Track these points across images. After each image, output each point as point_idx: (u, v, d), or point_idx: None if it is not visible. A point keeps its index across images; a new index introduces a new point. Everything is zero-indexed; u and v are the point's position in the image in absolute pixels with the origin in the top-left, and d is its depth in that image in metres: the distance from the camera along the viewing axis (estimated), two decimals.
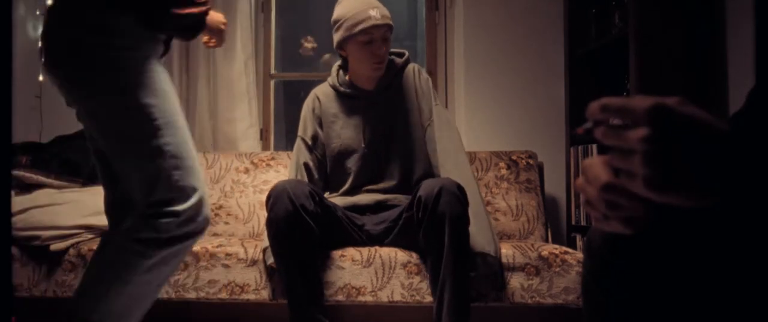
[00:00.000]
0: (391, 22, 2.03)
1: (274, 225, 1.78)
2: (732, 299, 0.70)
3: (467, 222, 1.80)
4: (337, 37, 2.07)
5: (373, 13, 1.99)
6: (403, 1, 5.58)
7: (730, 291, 0.70)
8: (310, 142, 2.15)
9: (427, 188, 1.77)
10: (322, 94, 2.18)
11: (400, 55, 2.18)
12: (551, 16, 2.93)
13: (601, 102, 0.54)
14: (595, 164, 0.59)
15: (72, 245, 2.11)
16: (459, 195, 1.75)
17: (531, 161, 2.64)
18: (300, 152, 2.14)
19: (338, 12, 2.08)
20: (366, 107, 2.12)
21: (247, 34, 3.02)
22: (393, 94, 2.12)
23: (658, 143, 0.50)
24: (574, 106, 2.75)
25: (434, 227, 1.75)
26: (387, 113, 2.11)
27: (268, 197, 1.81)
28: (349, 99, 2.14)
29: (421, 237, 1.80)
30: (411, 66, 2.17)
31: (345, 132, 2.11)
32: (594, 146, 2.56)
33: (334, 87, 2.17)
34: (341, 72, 2.19)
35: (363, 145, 2.09)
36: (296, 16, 5.10)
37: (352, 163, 2.10)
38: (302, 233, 1.78)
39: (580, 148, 2.67)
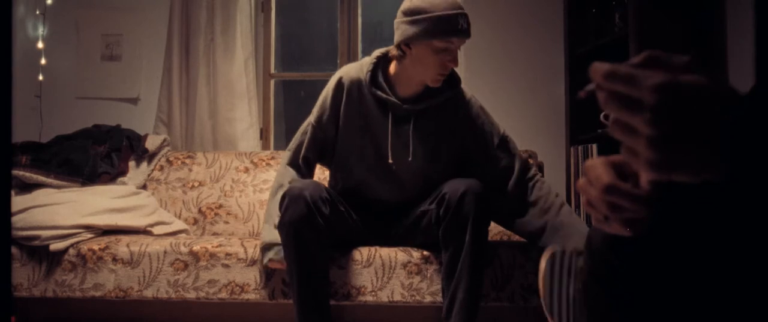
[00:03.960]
0: (470, 30, 1.81)
1: (286, 227, 1.76)
2: (733, 299, 0.70)
3: (488, 224, 1.81)
4: (409, 30, 1.77)
5: (462, 21, 1.76)
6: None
7: (731, 291, 0.70)
8: (321, 135, 1.96)
9: (452, 186, 1.77)
10: (350, 82, 1.90)
11: (453, 80, 1.93)
12: (551, 16, 2.93)
13: (607, 69, 0.50)
14: (597, 165, 0.59)
15: (72, 245, 2.11)
16: (483, 197, 1.76)
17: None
18: (306, 142, 1.96)
19: (422, 2, 1.77)
20: (399, 117, 1.90)
21: (247, 34, 3.02)
22: (426, 118, 1.91)
23: (664, 126, 0.48)
24: (574, 106, 2.75)
25: (456, 226, 1.76)
26: (414, 138, 1.90)
27: (283, 198, 1.78)
28: (377, 101, 1.89)
29: (441, 234, 1.80)
30: (461, 95, 1.95)
31: (366, 138, 1.92)
32: (594, 146, 2.56)
33: (370, 84, 1.89)
34: (380, 70, 1.91)
35: (390, 159, 1.90)
36: (296, 16, 5.10)
37: (367, 172, 1.95)
38: (315, 237, 1.77)
39: (580, 148, 2.67)
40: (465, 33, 1.78)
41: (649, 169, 0.49)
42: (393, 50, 1.87)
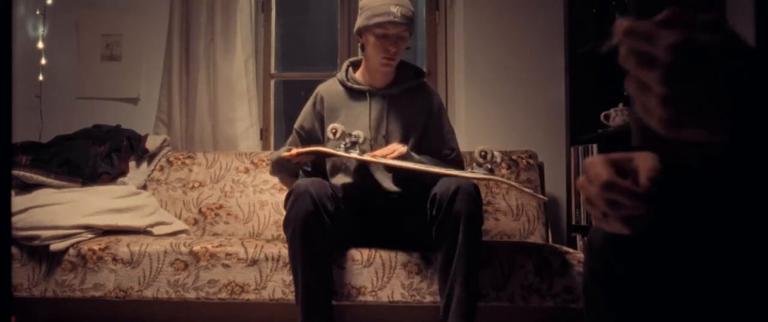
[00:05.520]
0: (410, 23, 2.02)
1: (292, 223, 1.78)
2: (732, 299, 0.70)
3: (481, 221, 1.83)
4: (357, 22, 2.06)
5: (393, 9, 1.97)
6: None
7: (730, 290, 0.70)
8: (303, 135, 2.14)
9: (443, 186, 1.79)
10: (326, 91, 2.16)
11: (419, 72, 2.18)
12: (551, 16, 2.93)
13: (628, 25, 0.52)
14: (597, 163, 0.59)
15: (72, 245, 2.11)
16: (474, 195, 1.77)
17: (531, 161, 2.64)
18: (293, 144, 2.13)
19: None
20: (371, 103, 2.09)
21: (247, 34, 3.02)
22: (399, 101, 2.11)
23: (675, 84, 0.48)
24: (574, 106, 2.75)
25: (448, 225, 1.76)
26: (389, 115, 2.08)
27: (289, 195, 1.81)
28: (355, 93, 2.12)
29: (434, 233, 1.81)
30: (428, 87, 2.19)
31: (347, 123, 2.06)
32: (594, 146, 2.56)
33: (341, 82, 2.14)
34: (350, 69, 2.18)
35: (369, 136, 2.04)
36: (296, 16, 5.10)
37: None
38: (321, 233, 1.78)
39: (580, 148, 2.67)
40: (399, 21, 1.97)
41: (660, 126, 0.50)
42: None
